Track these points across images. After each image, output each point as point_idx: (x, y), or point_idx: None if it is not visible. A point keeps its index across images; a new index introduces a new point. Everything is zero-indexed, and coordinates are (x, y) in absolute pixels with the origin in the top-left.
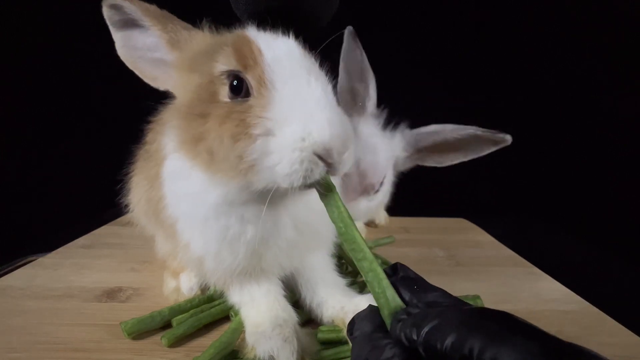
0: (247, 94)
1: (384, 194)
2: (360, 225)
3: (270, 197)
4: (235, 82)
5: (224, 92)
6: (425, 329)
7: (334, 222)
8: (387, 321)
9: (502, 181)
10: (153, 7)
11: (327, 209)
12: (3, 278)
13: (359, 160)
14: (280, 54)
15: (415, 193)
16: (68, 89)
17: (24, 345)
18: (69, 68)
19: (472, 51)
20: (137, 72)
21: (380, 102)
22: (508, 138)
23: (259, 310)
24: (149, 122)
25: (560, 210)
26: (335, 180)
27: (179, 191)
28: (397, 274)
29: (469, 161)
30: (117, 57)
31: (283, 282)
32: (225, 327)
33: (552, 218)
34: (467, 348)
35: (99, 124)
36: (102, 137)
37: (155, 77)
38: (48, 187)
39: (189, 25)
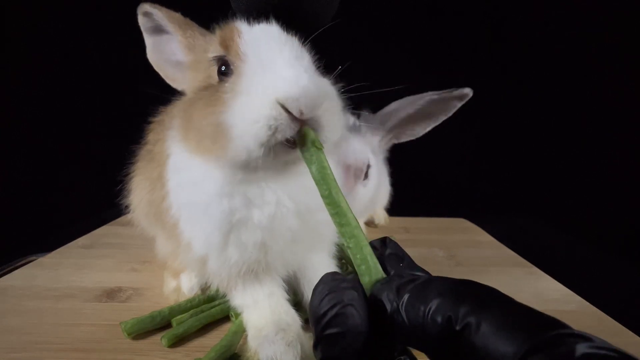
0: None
1: (376, 177)
2: (360, 224)
3: (264, 171)
4: (223, 68)
5: (214, 78)
6: (409, 293)
7: (317, 183)
8: (367, 288)
9: (502, 181)
10: (178, 15)
11: (310, 169)
12: (3, 278)
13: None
14: (258, 32)
15: (415, 193)
16: (68, 90)
17: (24, 345)
18: (69, 69)
19: (471, 51)
20: (161, 74)
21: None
22: (466, 91)
23: (262, 313)
24: (149, 122)
25: (560, 210)
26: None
27: (181, 181)
28: (385, 249)
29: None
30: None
31: (285, 284)
32: (225, 327)
33: (552, 218)
34: (452, 311)
35: (99, 124)
36: (102, 137)
37: (175, 78)
38: (48, 187)
39: (206, 32)
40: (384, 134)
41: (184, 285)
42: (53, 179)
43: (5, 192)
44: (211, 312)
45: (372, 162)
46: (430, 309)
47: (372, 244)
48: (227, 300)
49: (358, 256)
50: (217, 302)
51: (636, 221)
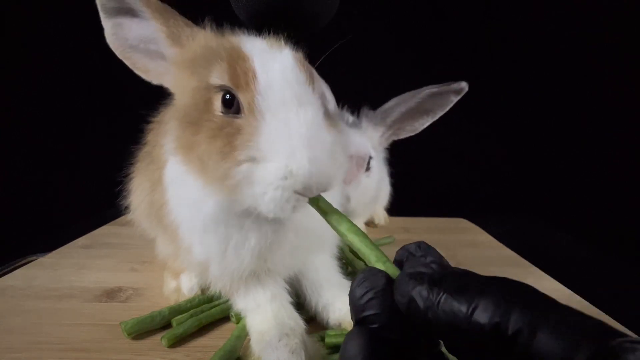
0: (238, 110)
1: (378, 170)
2: (360, 224)
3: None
4: (227, 97)
5: (217, 104)
6: (446, 291)
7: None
8: None
9: (502, 181)
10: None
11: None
12: (3, 278)
13: None
14: (273, 78)
15: (415, 193)
16: (67, 90)
17: (24, 345)
18: (69, 69)
19: (471, 51)
20: (127, 62)
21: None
22: (463, 85)
23: (265, 317)
24: (149, 122)
25: (560, 210)
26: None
27: (179, 197)
28: (426, 256)
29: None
30: (118, 58)
31: (288, 285)
32: (225, 328)
33: (552, 218)
34: (501, 316)
35: (99, 124)
36: (102, 137)
37: (148, 69)
38: (48, 187)
39: (190, 22)
40: (385, 130)
41: (184, 286)
42: (53, 179)
43: (5, 192)
44: (211, 312)
45: (374, 154)
46: (473, 309)
47: (407, 248)
48: (227, 301)
49: None
50: (217, 302)
51: (636, 221)
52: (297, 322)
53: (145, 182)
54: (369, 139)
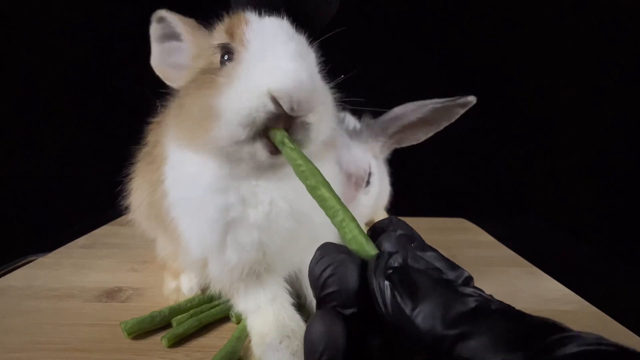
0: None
1: (377, 185)
2: (360, 224)
3: (248, 165)
4: (226, 57)
5: (217, 64)
6: (398, 287)
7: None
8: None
9: (502, 181)
10: (191, 20)
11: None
12: (3, 278)
13: (339, 163)
14: (267, 23)
15: (415, 193)
16: (67, 89)
17: (24, 345)
18: (69, 68)
19: (470, 50)
20: (160, 75)
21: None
22: (470, 99)
23: (266, 319)
24: (149, 122)
25: (560, 210)
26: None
27: (176, 177)
28: (396, 229)
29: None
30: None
31: (289, 286)
32: (225, 327)
33: (552, 218)
34: (442, 320)
35: (99, 124)
36: (102, 137)
37: (174, 79)
38: (48, 187)
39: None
40: (386, 140)
41: (184, 286)
42: (53, 179)
43: (5, 192)
44: (211, 312)
45: (374, 168)
46: (418, 313)
47: (380, 223)
48: (228, 301)
49: (348, 238)
50: (217, 302)
51: (636, 221)
52: (298, 323)
53: (145, 182)
54: (370, 148)
